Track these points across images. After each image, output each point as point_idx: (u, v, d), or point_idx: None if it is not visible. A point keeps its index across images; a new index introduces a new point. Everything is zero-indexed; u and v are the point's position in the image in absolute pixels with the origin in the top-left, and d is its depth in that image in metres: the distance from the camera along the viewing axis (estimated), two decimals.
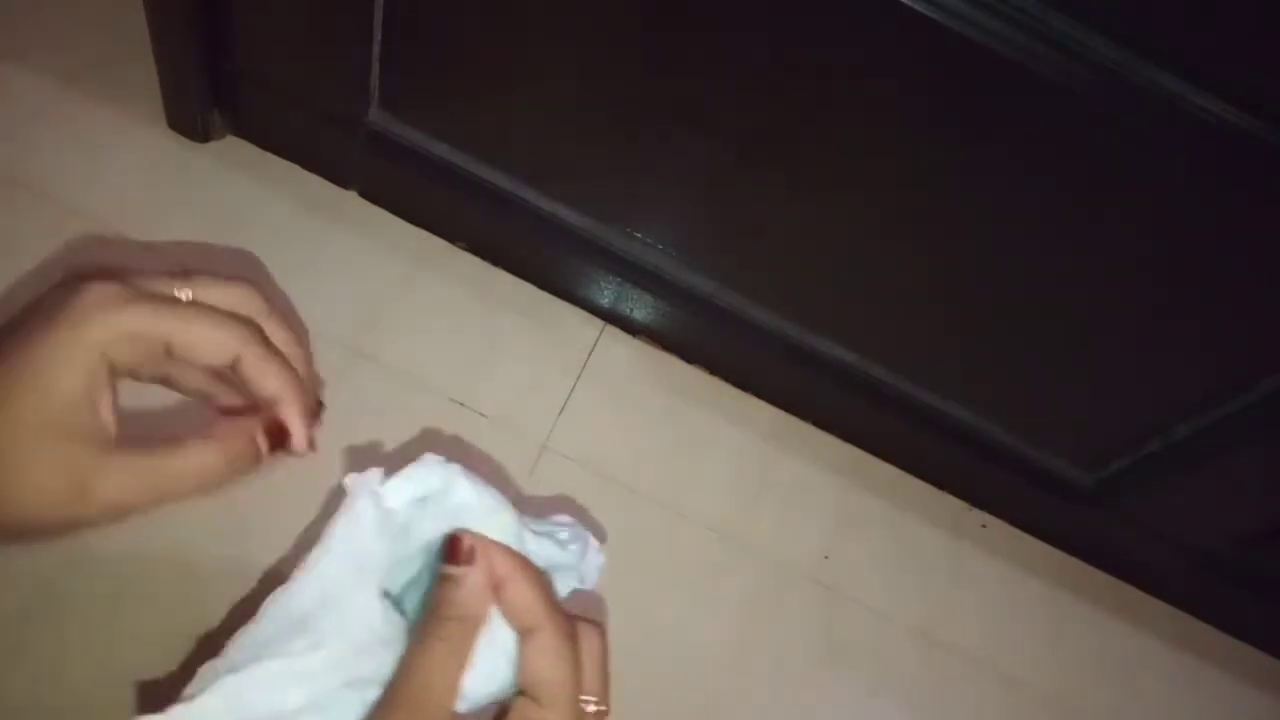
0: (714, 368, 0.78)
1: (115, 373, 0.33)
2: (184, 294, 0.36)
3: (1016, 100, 0.48)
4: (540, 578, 0.35)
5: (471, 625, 0.33)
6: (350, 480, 0.34)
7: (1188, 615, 0.81)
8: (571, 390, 0.74)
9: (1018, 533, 0.80)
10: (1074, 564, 0.81)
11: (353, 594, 0.34)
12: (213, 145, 0.74)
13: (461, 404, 0.70)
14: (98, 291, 0.33)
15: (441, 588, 0.33)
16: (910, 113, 0.52)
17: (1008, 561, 0.79)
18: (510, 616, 0.34)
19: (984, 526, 0.80)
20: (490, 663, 0.34)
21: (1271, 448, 0.61)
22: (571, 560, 0.43)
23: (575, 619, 0.36)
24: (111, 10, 0.74)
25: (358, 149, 0.70)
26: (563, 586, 0.41)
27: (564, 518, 0.44)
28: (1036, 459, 0.73)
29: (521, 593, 0.34)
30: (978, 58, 0.46)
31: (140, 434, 0.34)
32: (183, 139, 0.73)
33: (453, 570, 0.33)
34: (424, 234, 0.75)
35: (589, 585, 0.44)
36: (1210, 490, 0.67)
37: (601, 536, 0.70)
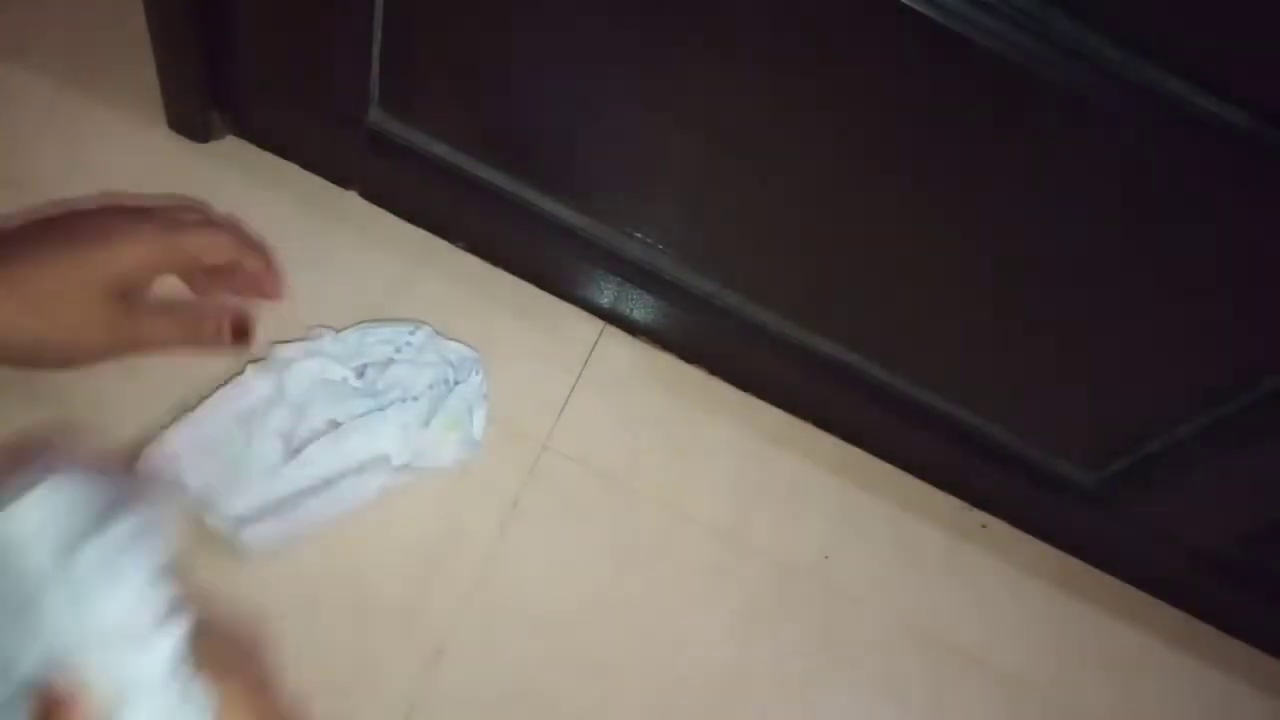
0: (714, 368, 0.78)
1: (155, 269, 0.54)
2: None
3: (1016, 100, 0.48)
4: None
5: None
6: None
7: (1188, 615, 0.81)
8: (571, 390, 0.74)
9: (1018, 533, 0.80)
10: (1074, 564, 0.81)
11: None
12: (213, 145, 0.74)
13: None
14: (138, 226, 0.53)
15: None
16: (910, 113, 0.52)
17: (1008, 561, 0.79)
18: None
19: (984, 526, 0.80)
20: None
21: (1272, 447, 0.61)
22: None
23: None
24: (111, 10, 0.74)
25: (358, 149, 0.70)
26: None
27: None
28: (1036, 459, 0.73)
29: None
30: (978, 58, 0.46)
31: None
32: (183, 139, 0.73)
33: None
34: (424, 234, 0.75)
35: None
36: (1210, 490, 0.67)
37: (602, 537, 0.70)
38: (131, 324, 0.52)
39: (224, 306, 0.57)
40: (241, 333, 0.57)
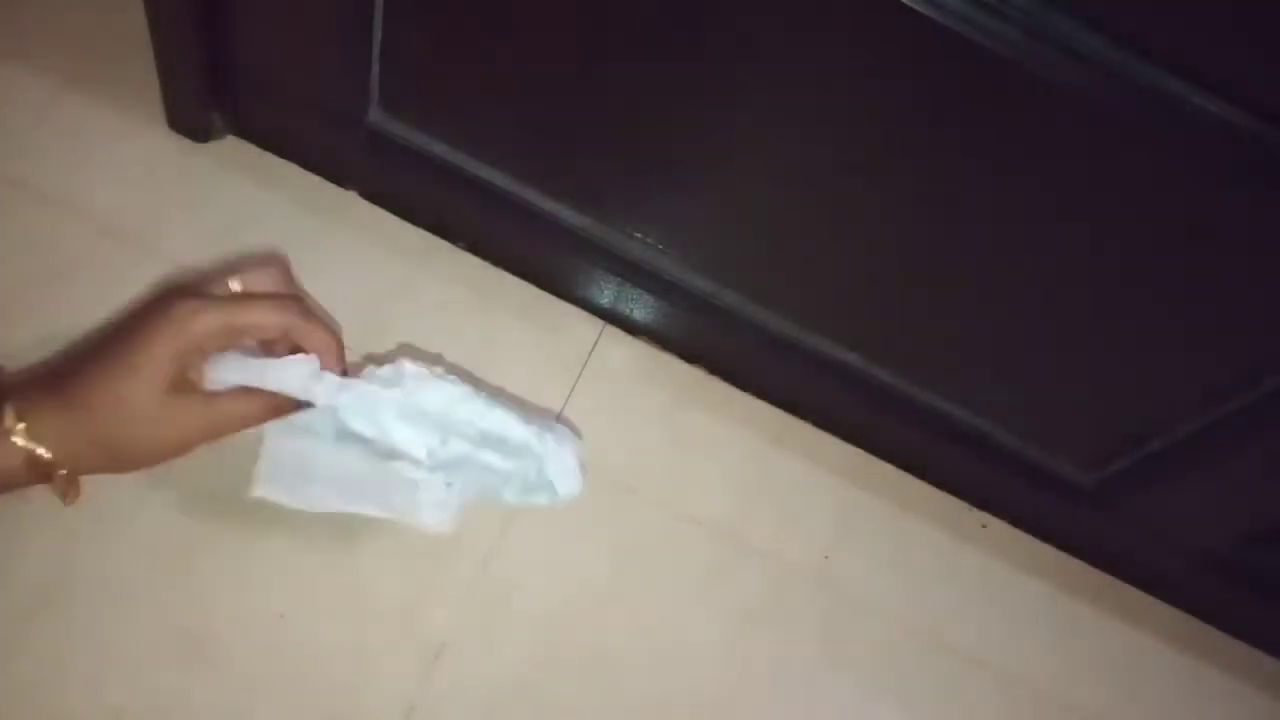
0: (714, 368, 0.78)
1: (202, 353, 0.50)
2: (235, 285, 0.53)
3: (1016, 100, 0.48)
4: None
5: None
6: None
7: (1188, 615, 0.81)
8: (571, 390, 0.74)
9: (1018, 533, 0.80)
10: (1074, 564, 0.81)
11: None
12: (213, 145, 0.74)
13: None
14: (184, 300, 0.49)
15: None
16: (910, 112, 0.52)
17: (1008, 561, 0.79)
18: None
19: (984, 526, 0.80)
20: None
21: (1272, 447, 0.61)
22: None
23: None
24: (111, 10, 0.74)
25: (358, 149, 0.70)
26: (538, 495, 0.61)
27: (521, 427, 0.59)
28: (1036, 459, 0.73)
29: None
30: (977, 58, 0.46)
31: None
32: (183, 139, 0.73)
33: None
34: (424, 234, 0.75)
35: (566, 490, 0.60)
36: (1210, 490, 0.67)
37: (602, 537, 0.70)
38: (205, 413, 0.50)
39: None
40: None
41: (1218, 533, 0.72)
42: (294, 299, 0.53)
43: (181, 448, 0.50)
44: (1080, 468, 0.73)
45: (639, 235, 0.69)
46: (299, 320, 0.51)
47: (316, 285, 0.68)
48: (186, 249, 0.69)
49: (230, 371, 0.51)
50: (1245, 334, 0.57)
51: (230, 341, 0.50)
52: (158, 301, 0.49)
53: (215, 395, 0.51)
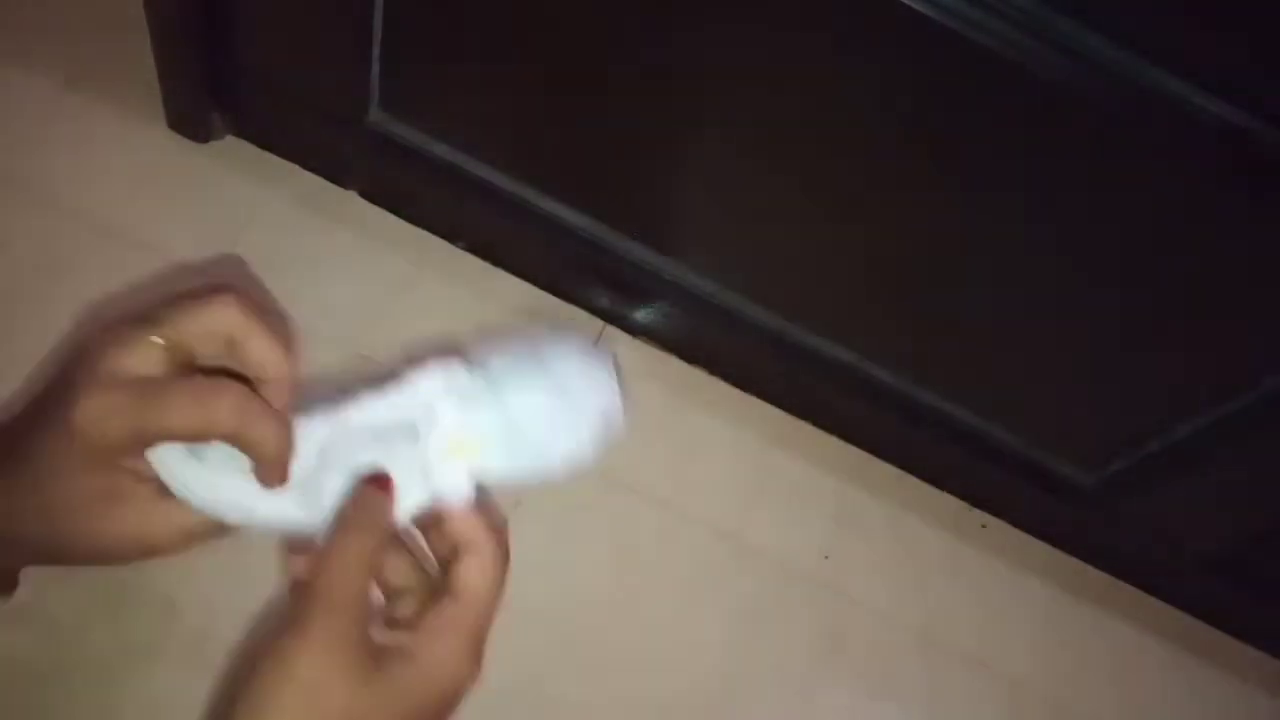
0: (714, 368, 0.78)
1: (129, 452, 0.36)
2: (157, 340, 0.37)
3: (1016, 100, 0.48)
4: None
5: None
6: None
7: (1188, 615, 0.81)
8: None
9: (1018, 533, 0.80)
10: (1074, 564, 0.80)
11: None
12: (213, 145, 0.74)
13: None
14: (87, 405, 0.34)
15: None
16: (910, 112, 0.52)
17: (1008, 561, 0.79)
18: (450, 535, 0.37)
19: (984, 526, 0.80)
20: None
21: (1272, 448, 0.61)
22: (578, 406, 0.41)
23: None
24: (111, 10, 0.74)
25: (358, 149, 0.70)
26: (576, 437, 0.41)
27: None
28: (1036, 459, 0.73)
29: (462, 519, 0.37)
30: (978, 58, 0.46)
31: None
32: (183, 139, 0.73)
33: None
34: (424, 234, 0.75)
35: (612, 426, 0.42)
36: (1210, 490, 0.67)
37: (602, 537, 0.70)
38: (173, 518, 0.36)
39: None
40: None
41: (1218, 533, 0.72)
42: (231, 386, 0.37)
43: (176, 544, 0.37)
44: (1080, 468, 0.73)
45: (639, 235, 0.69)
46: (234, 418, 0.36)
47: (316, 285, 0.68)
48: (186, 248, 0.69)
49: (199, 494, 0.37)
50: (1245, 335, 0.57)
51: (146, 445, 0.36)
52: (61, 384, 0.35)
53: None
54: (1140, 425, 0.66)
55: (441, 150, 0.69)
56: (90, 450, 0.34)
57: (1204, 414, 0.62)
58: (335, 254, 0.73)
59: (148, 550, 0.36)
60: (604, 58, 0.57)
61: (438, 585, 0.38)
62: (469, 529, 0.37)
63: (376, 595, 0.36)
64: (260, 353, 0.37)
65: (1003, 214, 0.56)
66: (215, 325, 0.37)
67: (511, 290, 0.76)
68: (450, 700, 0.36)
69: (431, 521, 0.37)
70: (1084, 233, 0.54)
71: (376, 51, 0.62)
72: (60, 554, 0.36)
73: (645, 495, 0.72)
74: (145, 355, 0.35)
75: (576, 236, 0.70)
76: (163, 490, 0.36)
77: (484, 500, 0.38)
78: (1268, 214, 0.49)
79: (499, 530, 0.38)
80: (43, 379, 0.36)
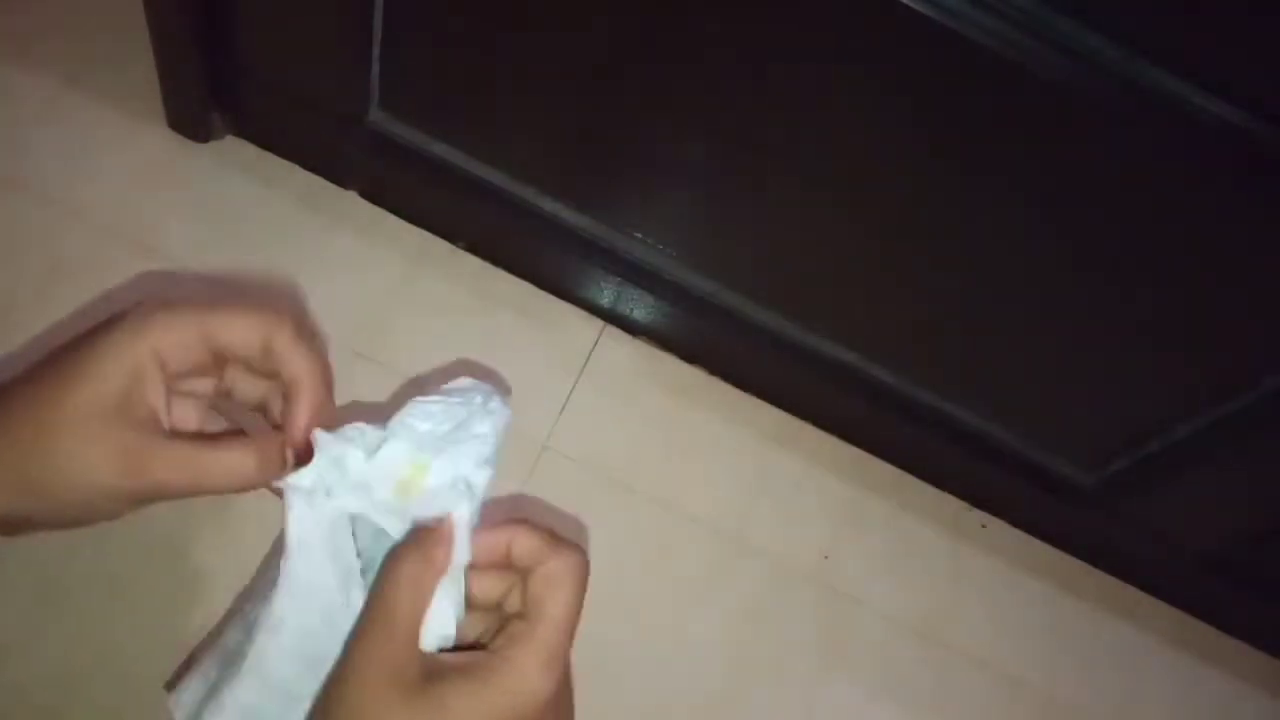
0: (714, 368, 0.78)
1: (167, 372, 0.37)
2: (201, 321, 0.38)
3: (1016, 100, 0.48)
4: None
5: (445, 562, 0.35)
6: (282, 485, 0.37)
7: (1188, 615, 0.81)
8: (571, 390, 0.74)
9: (1018, 533, 0.80)
10: (1074, 564, 0.81)
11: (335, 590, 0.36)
12: (213, 145, 0.74)
13: None
14: (148, 304, 0.37)
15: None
16: (910, 112, 0.52)
17: (1008, 561, 0.79)
18: (517, 557, 0.36)
19: (984, 526, 0.80)
20: (441, 609, 0.35)
21: (1272, 447, 0.61)
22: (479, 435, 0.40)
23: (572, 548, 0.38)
24: (111, 10, 0.74)
25: (358, 149, 0.70)
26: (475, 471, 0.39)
27: (462, 382, 0.41)
28: (1036, 459, 0.73)
29: (529, 537, 0.36)
30: (978, 58, 0.46)
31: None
32: (183, 139, 0.73)
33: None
34: (424, 234, 0.75)
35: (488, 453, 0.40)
36: (1210, 490, 0.67)
37: (602, 537, 0.70)
38: (161, 456, 0.36)
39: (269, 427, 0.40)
40: (306, 452, 0.38)
41: (1218, 533, 0.72)
42: (284, 315, 0.39)
43: (120, 496, 0.36)
44: (1080, 468, 0.73)
45: (639, 235, 0.69)
46: (286, 338, 0.38)
47: (316, 285, 0.68)
48: (186, 249, 0.69)
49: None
50: (1245, 334, 0.57)
51: (203, 359, 0.38)
52: (116, 314, 0.37)
53: (182, 436, 0.37)
54: (1140, 425, 0.66)
55: (441, 150, 0.69)
56: (133, 356, 0.35)
57: (1204, 414, 0.62)
58: (335, 254, 0.73)
59: (143, 493, 0.36)
60: (604, 57, 0.57)
61: (512, 605, 0.37)
62: (539, 549, 0.36)
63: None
64: (299, 366, 0.38)
65: (1002, 214, 0.56)
66: (261, 330, 0.38)
67: (511, 290, 0.76)
68: (531, 716, 0.35)
69: (503, 543, 0.36)
70: (1083, 232, 0.54)
71: (376, 51, 0.62)
72: (42, 504, 0.36)
73: (645, 495, 0.72)
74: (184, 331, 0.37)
75: (576, 236, 0.70)
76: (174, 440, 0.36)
77: (555, 516, 0.37)
78: (1268, 214, 0.49)
79: (574, 545, 0.37)
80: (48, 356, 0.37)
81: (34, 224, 0.67)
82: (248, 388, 0.40)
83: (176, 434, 0.37)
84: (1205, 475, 0.66)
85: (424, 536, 0.35)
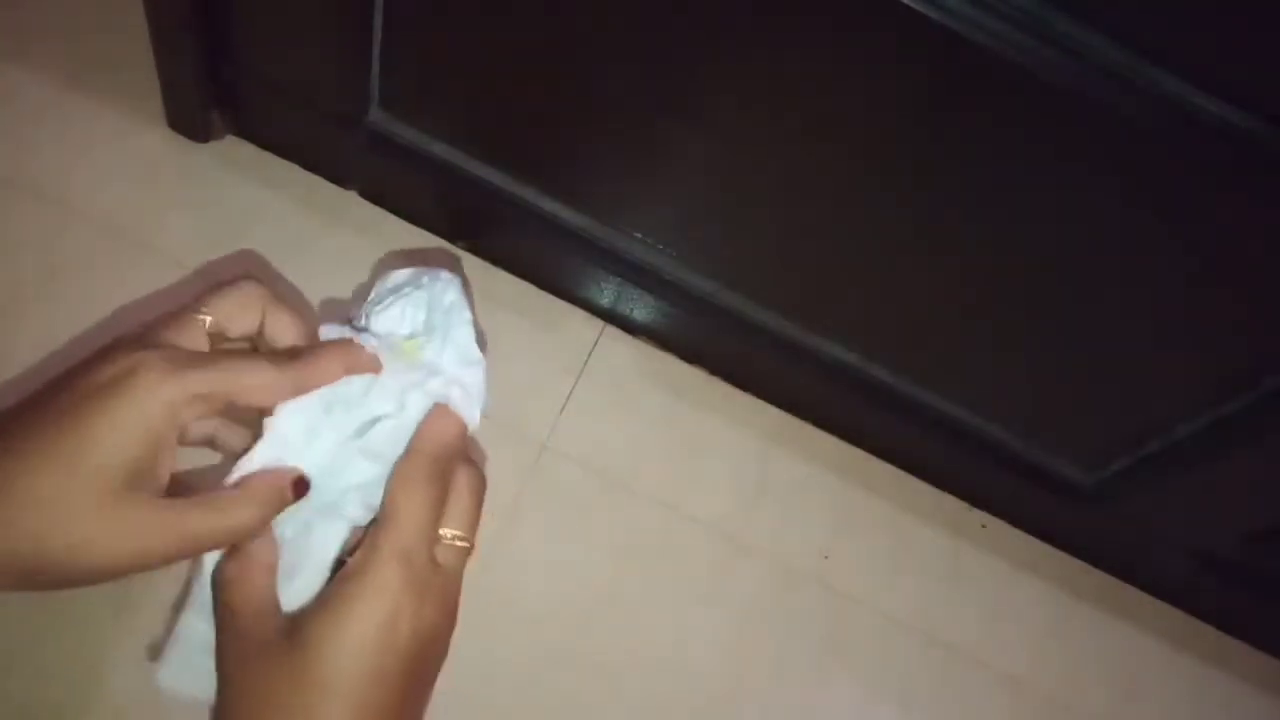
0: (714, 368, 0.78)
1: (182, 437, 0.37)
2: (204, 319, 0.39)
3: (1016, 100, 0.48)
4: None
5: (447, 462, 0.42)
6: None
7: (1188, 615, 0.81)
8: (571, 390, 0.74)
9: (1018, 533, 0.80)
10: (1074, 564, 0.81)
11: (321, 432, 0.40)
12: (213, 145, 0.74)
13: None
14: (151, 363, 0.35)
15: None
16: (909, 113, 0.52)
17: (1008, 561, 0.79)
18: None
19: (984, 526, 0.80)
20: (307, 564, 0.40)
21: (1272, 447, 0.61)
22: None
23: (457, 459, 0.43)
24: (111, 10, 0.74)
25: (358, 149, 0.70)
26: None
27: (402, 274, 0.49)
28: (1036, 459, 0.73)
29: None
30: (978, 58, 0.46)
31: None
32: (183, 139, 0.73)
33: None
34: (423, 233, 0.75)
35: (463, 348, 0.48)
36: (1210, 490, 0.67)
37: (602, 537, 0.70)
38: (171, 524, 0.35)
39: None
40: (301, 484, 0.40)
41: (1218, 533, 0.72)
42: (293, 352, 0.41)
43: (131, 566, 0.35)
44: (1080, 468, 0.73)
45: (639, 235, 0.69)
46: (301, 374, 0.39)
47: (315, 284, 0.68)
48: (186, 249, 0.69)
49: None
50: (1245, 334, 0.57)
51: (215, 412, 0.37)
52: (114, 363, 0.35)
53: (190, 501, 0.36)
54: (1140, 425, 0.66)
55: (441, 150, 0.69)
56: (142, 430, 0.34)
57: (1204, 414, 0.62)
58: (335, 254, 0.73)
59: (145, 559, 0.35)
60: (604, 56, 0.57)
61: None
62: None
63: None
64: (284, 322, 0.42)
65: (1001, 213, 0.56)
66: (247, 300, 0.41)
67: (511, 290, 0.76)
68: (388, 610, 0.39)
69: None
70: (1083, 232, 0.54)
71: (376, 51, 0.62)
72: (43, 583, 0.34)
73: (645, 495, 0.72)
74: (194, 333, 0.39)
75: (576, 236, 0.70)
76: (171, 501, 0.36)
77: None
78: (1268, 214, 0.49)
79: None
80: (46, 383, 0.36)
81: (33, 224, 0.67)
82: (233, 439, 0.44)
83: (174, 495, 0.36)
84: (1206, 475, 0.66)
85: (244, 543, 0.39)
